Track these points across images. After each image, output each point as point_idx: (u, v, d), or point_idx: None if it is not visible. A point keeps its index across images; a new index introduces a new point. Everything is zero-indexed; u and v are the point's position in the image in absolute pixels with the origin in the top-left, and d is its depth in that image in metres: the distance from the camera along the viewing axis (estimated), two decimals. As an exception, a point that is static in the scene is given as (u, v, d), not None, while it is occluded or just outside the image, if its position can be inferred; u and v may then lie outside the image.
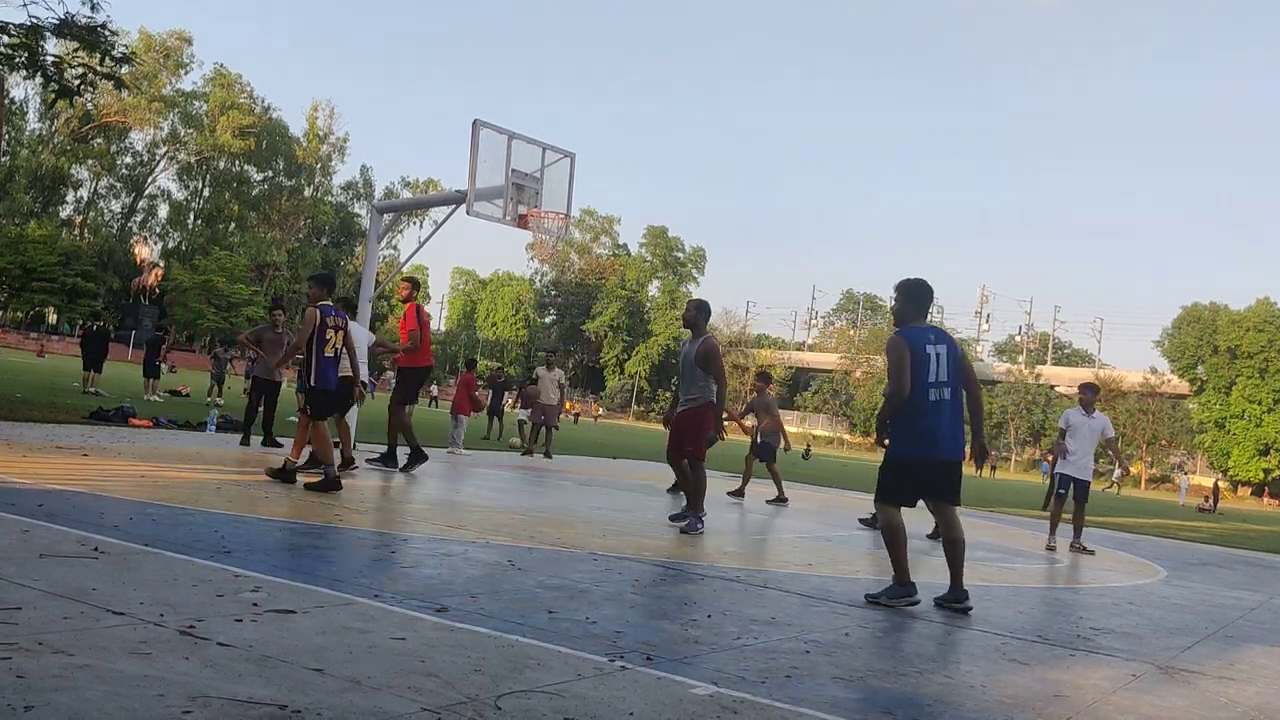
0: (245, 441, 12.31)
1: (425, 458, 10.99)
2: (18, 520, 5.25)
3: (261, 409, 12.64)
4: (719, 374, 8.69)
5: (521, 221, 12.92)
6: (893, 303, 6.40)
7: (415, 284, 11.79)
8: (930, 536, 10.03)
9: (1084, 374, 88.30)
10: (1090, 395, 11.66)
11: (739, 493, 14.00)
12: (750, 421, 15.02)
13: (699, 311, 9.03)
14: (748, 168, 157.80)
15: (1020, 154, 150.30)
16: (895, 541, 6.07)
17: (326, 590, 4.48)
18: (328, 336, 8.82)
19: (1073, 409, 11.76)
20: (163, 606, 3.79)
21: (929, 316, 6.31)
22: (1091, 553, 11.22)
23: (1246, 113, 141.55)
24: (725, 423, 11.45)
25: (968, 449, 6.39)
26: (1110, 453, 12.05)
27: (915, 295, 6.24)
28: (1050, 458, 13.27)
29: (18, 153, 69.00)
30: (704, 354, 8.67)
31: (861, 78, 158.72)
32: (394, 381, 12.03)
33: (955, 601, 6.06)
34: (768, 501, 13.68)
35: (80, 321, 57.33)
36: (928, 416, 5.91)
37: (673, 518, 9.14)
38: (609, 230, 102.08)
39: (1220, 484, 49.38)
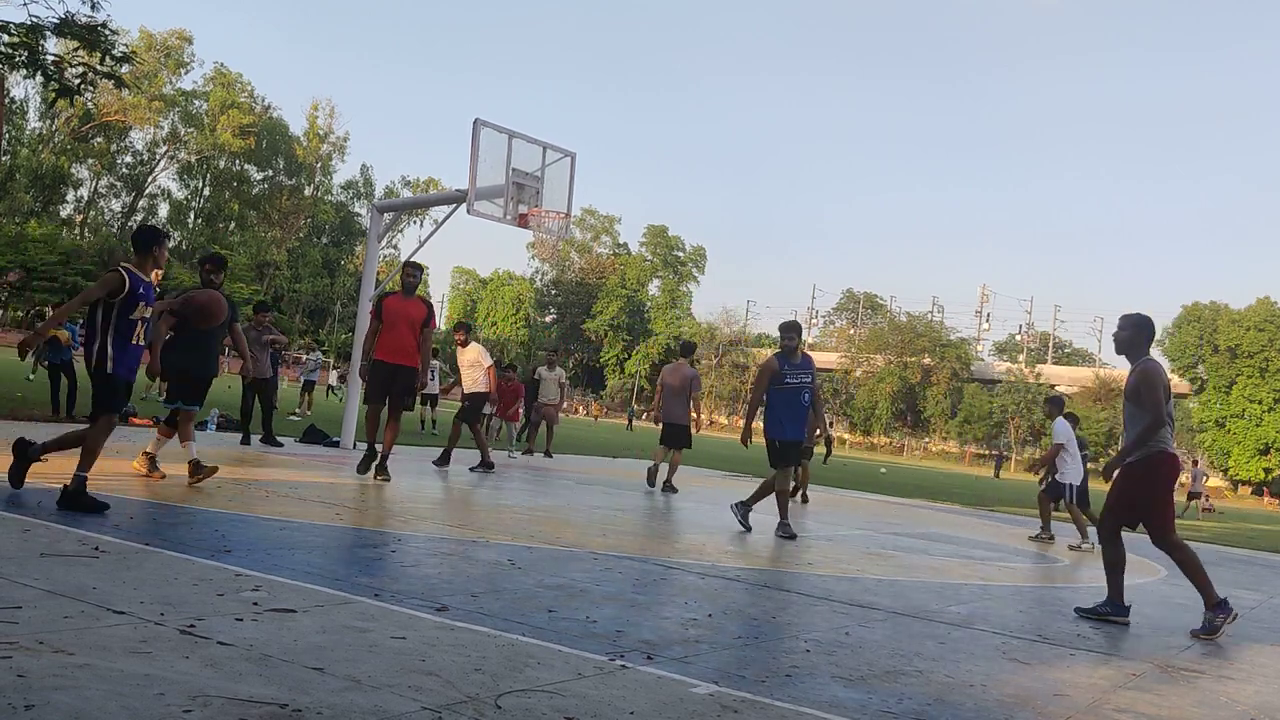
0: (245, 440, 12.32)
1: None
2: (18, 519, 5.26)
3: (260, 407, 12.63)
4: (1151, 407, 6.29)
5: (522, 221, 12.92)
6: (786, 339, 9.14)
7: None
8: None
9: (1084, 373, 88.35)
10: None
11: (804, 497, 14.19)
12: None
13: (1136, 329, 6.54)
14: (748, 167, 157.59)
15: (1021, 153, 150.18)
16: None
17: (326, 589, 4.48)
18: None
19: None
20: (163, 605, 3.80)
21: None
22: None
23: (1246, 113, 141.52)
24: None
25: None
26: None
27: (790, 330, 9.21)
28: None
29: (18, 151, 68.94)
30: (1132, 385, 6.45)
31: (862, 76, 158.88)
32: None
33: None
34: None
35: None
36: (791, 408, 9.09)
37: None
38: (609, 229, 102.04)
39: (1209, 484, 48.93)
